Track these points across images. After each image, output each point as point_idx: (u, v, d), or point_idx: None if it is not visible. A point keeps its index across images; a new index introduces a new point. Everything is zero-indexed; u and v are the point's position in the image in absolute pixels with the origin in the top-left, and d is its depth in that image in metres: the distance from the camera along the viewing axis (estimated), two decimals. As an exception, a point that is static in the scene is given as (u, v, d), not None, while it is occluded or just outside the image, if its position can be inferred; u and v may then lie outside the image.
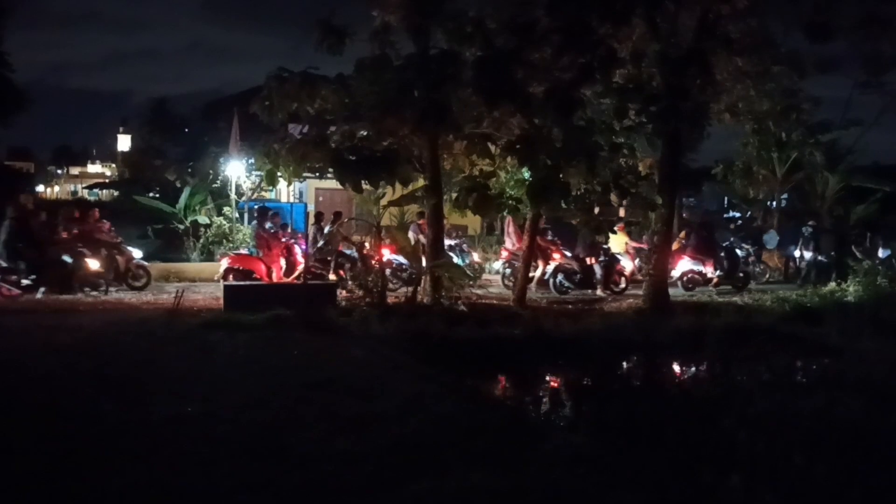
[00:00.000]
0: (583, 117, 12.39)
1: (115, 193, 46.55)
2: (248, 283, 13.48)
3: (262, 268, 13.79)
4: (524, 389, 9.03)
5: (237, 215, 18.64)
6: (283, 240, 14.46)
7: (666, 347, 10.72)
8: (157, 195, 24.79)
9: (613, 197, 13.42)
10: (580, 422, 7.69)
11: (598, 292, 15.48)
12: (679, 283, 16.42)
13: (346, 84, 11.93)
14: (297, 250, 14.63)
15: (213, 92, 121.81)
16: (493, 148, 12.81)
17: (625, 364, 10.59)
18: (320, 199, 26.97)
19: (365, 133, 12.22)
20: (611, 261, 15.88)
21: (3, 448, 5.44)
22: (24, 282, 12.58)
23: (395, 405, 6.72)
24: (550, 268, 15.39)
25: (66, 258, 13.20)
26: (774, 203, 22.00)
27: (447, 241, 16.55)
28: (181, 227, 18.45)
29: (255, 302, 11.39)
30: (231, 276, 13.75)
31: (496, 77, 11.42)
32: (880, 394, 8.17)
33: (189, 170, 20.79)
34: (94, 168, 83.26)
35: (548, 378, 9.74)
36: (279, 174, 12.45)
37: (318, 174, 13.55)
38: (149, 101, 49.92)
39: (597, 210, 17.33)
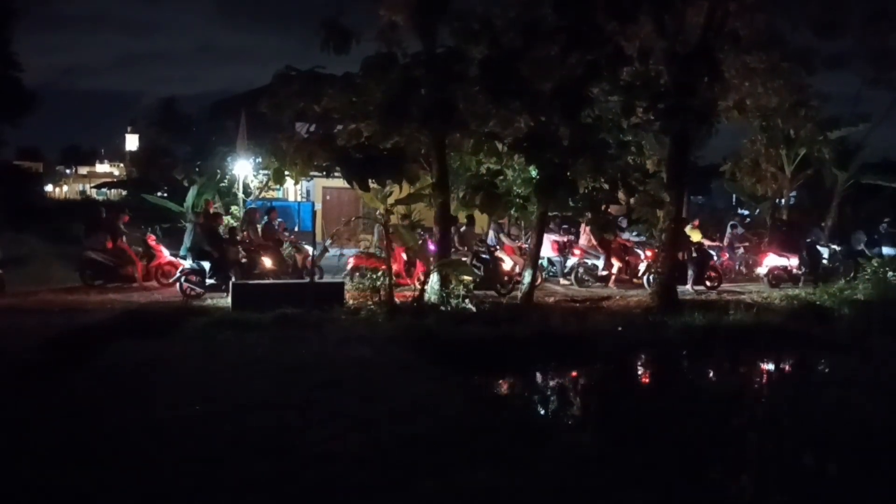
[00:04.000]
0: (590, 115, 12.35)
1: (124, 192, 46.61)
2: (256, 282, 13.48)
3: (385, 267, 14.05)
4: (531, 388, 9.02)
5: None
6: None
7: (672, 346, 10.70)
8: (165, 194, 24.85)
9: (621, 194, 13.38)
10: (587, 421, 7.68)
11: (689, 288, 15.35)
12: (765, 279, 16.59)
13: (353, 83, 11.93)
14: None
15: (222, 92, 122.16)
16: (499, 146, 12.81)
17: (631, 363, 10.56)
18: (327, 197, 27.01)
19: (371, 131, 12.23)
20: (703, 257, 15.77)
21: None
22: (208, 281, 13.20)
23: (401, 405, 6.73)
24: (643, 266, 15.70)
25: (243, 258, 13.88)
26: (783, 200, 21.84)
27: (555, 237, 16.21)
28: (189, 225, 18.44)
29: (263, 301, 11.42)
30: (357, 274, 14.28)
31: (503, 75, 11.42)
32: (888, 392, 8.14)
33: (196, 169, 20.77)
34: (102, 168, 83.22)
35: (554, 377, 9.72)
36: (286, 173, 12.48)
37: (325, 173, 13.57)
38: (157, 101, 49.65)
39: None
